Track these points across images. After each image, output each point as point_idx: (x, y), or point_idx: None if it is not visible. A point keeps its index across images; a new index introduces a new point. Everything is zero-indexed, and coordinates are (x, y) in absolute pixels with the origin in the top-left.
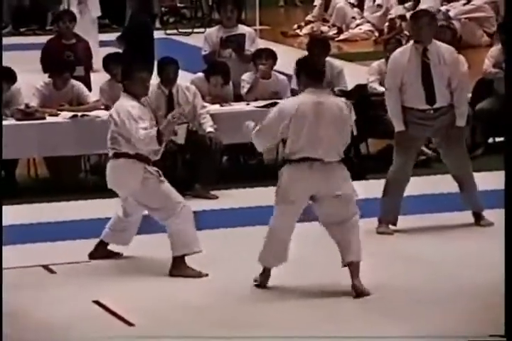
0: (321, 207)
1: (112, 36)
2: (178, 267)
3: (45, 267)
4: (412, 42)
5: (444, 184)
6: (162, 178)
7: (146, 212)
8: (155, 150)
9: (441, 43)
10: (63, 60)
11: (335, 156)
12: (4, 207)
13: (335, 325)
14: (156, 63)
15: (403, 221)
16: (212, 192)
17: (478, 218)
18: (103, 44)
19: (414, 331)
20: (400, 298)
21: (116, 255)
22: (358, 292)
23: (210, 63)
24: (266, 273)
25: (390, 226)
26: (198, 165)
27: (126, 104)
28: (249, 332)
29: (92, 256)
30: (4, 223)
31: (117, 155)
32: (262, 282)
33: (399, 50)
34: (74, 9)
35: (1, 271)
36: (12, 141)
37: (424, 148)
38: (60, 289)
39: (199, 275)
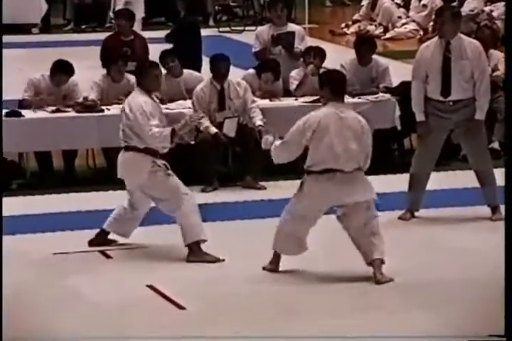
0: (342, 213)
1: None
2: (195, 253)
3: (102, 252)
4: (437, 36)
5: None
6: (169, 171)
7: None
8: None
9: (466, 38)
10: (119, 53)
11: (355, 165)
12: (64, 195)
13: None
14: (208, 60)
15: (445, 212)
16: (261, 183)
17: (493, 212)
18: (158, 41)
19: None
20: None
21: (112, 243)
22: (381, 283)
23: (261, 60)
24: (276, 261)
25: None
26: (248, 157)
27: (140, 99)
28: (297, 317)
29: (92, 243)
30: (63, 210)
31: (127, 148)
32: (272, 269)
33: (426, 43)
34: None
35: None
36: (71, 133)
37: None
38: (115, 273)
39: (216, 260)
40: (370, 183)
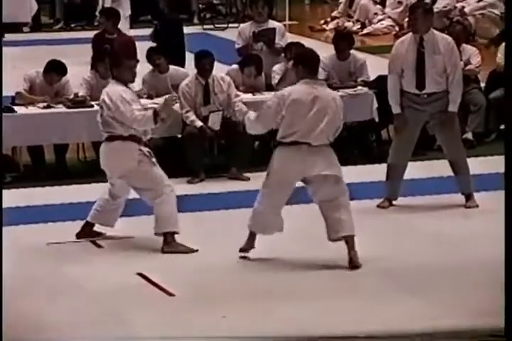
0: (311, 187)
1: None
2: (170, 244)
3: (94, 242)
4: (411, 32)
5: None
6: (154, 160)
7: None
8: (145, 130)
9: (439, 33)
10: (99, 51)
11: (324, 140)
12: (56, 188)
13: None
14: (193, 56)
15: (423, 200)
16: (246, 174)
17: (467, 200)
18: (145, 39)
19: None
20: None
21: (100, 235)
22: (354, 264)
23: (244, 55)
24: (251, 240)
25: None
26: (233, 149)
27: (118, 89)
28: (284, 301)
29: (79, 236)
30: (56, 202)
31: (111, 138)
32: (246, 249)
33: (401, 39)
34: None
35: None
36: (63, 127)
37: None
38: (107, 262)
39: (190, 250)
40: (336, 160)
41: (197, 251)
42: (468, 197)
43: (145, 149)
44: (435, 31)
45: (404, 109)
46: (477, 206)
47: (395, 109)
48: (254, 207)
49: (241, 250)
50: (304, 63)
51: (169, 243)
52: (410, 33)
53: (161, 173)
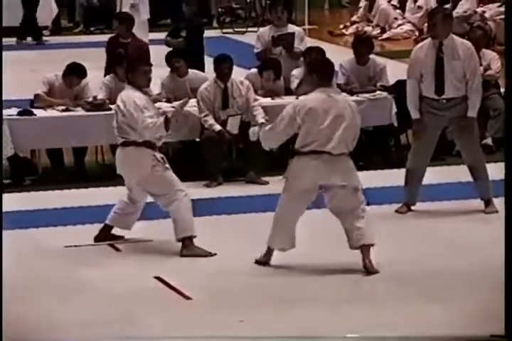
0: (329, 197)
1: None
2: (188, 248)
3: (112, 245)
4: (430, 37)
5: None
6: (167, 165)
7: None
8: (158, 137)
9: (458, 38)
10: (113, 55)
11: (343, 149)
12: (74, 191)
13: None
14: (212, 60)
15: (442, 205)
16: (264, 178)
17: (486, 205)
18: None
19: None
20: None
21: (118, 238)
22: (369, 271)
23: (263, 60)
24: (269, 254)
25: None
26: (251, 153)
27: (132, 95)
28: (301, 305)
29: (97, 239)
30: (74, 205)
31: (126, 144)
32: (265, 261)
33: (420, 44)
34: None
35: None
36: (81, 131)
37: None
38: (124, 265)
39: (209, 254)
40: (355, 170)
41: (215, 254)
42: (488, 202)
43: (158, 155)
44: (454, 36)
45: (423, 114)
46: (496, 211)
47: (414, 114)
48: (274, 218)
49: (257, 262)
50: (319, 71)
51: (188, 247)
52: (429, 38)
53: (174, 178)
